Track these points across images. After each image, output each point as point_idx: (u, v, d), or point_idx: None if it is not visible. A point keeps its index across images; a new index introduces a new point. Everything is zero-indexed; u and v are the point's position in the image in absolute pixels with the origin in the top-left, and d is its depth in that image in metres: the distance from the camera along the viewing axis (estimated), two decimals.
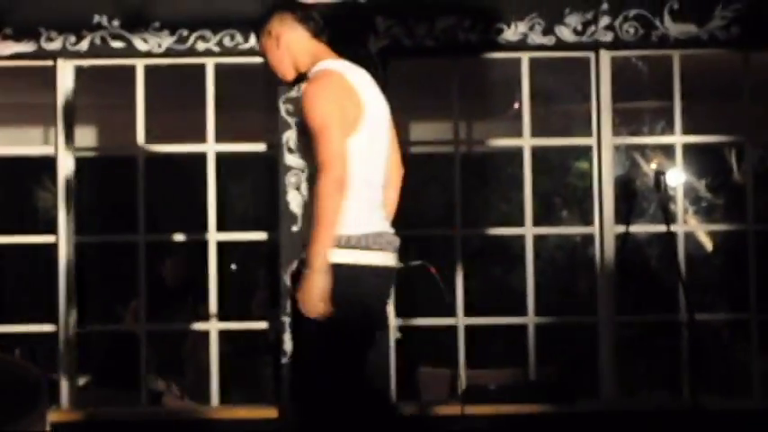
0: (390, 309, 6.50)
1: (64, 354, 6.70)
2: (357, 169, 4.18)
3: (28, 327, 7.06)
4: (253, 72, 6.73)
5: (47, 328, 6.81)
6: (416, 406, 6.67)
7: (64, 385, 6.67)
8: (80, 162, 6.90)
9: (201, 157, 6.79)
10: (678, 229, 6.81)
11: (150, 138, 6.79)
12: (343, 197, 4.10)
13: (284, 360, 6.43)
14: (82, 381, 7.11)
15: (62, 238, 6.74)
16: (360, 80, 4.40)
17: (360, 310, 4.24)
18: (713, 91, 7.27)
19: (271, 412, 6.47)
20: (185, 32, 6.64)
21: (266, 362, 7.20)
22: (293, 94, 6.39)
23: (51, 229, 6.90)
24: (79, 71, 6.81)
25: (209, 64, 6.73)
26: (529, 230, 6.88)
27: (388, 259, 4.33)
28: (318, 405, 4.40)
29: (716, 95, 7.32)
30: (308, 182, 4.34)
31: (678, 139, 6.94)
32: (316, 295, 4.06)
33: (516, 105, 7.24)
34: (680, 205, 7.11)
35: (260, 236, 7.07)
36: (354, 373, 4.42)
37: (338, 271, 4.11)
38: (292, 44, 4.57)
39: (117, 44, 6.65)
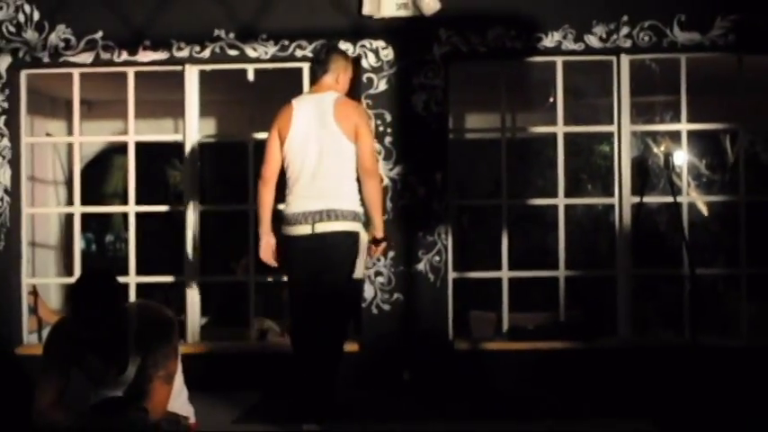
0: (449, 262, 6.55)
1: (190, 299, 6.83)
2: None
3: (162, 278, 7.17)
4: None
5: (177, 278, 6.96)
6: (468, 342, 6.70)
7: (190, 324, 6.82)
8: (203, 147, 6.99)
9: None
10: (683, 199, 6.76)
11: (257, 127, 6.85)
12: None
13: (363, 305, 6.47)
14: (203, 321, 7.19)
15: (189, 207, 6.84)
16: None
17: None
18: (713, 87, 7.17)
19: (352, 346, 6.52)
20: (286, 42, 6.68)
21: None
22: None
23: (180, 200, 7.01)
24: (202, 74, 6.89)
25: (305, 67, 6.76)
26: (561, 201, 6.87)
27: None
28: None
29: (715, 91, 7.21)
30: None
31: (684, 126, 6.88)
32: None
33: (551, 100, 7.19)
34: (684, 180, 7.05)
35: None
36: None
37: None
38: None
39: (232, 52, 6.71)
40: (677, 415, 5.33)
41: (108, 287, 4.09)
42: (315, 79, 5.52)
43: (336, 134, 5.17)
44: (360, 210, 5.22)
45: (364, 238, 5.25)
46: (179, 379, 4.46)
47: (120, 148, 8.07)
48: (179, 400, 4.46)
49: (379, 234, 5.30)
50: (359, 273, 5.30)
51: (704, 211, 8.44)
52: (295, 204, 5.17)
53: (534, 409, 5.75)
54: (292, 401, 5.15)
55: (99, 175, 10.32)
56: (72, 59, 6.78)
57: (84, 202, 7.12)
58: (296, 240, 5.15)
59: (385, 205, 5.50)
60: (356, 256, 5.19)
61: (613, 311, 6.74)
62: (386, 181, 6.51)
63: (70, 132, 7.35)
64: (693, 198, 8.06)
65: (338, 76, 5.37)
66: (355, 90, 6.63)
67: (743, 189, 6.80)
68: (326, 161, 5.16)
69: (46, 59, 6.79)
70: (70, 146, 7.64)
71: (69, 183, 7.99)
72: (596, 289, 7.26)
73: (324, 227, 5.10)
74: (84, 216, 7.27)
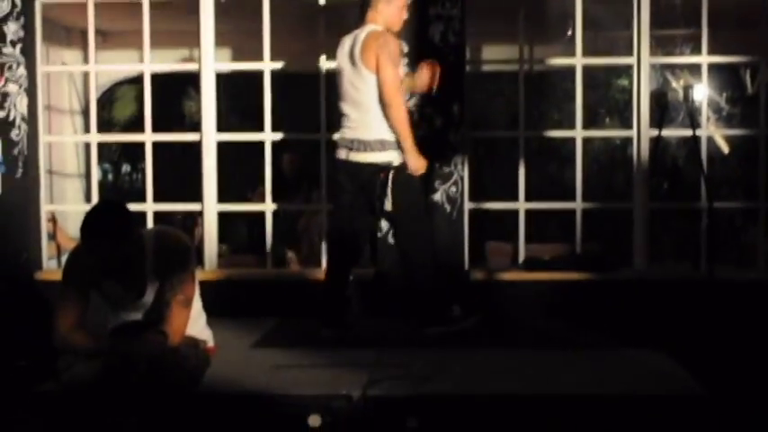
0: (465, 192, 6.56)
1: (207, 226, 6.86)
2: None
3: (180, 205, 7.21)
4: (356, 5, 6.72)
5: (194, 207, 6.99)
6: (484, 272, 6.72)
7: (207, 251, 6.86)
8: (219, 77, 6.96)
9: (315, 75, 6.82)
10: (701, 133, 6.72)
11: (274, 57, 6.81)
12: None
13: (379, 234, 6.49)
14: (222, 248, 7.23)
15: (205, 136, 6.84)
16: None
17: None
18: (734, 20, 7.09)
19: (368, 272, 6.56)
20: None
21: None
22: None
23: (196, 129, 7.01)
24: (218, 4, 6.83)
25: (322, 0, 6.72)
26: (579, 133, 6.84)
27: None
28: None
29: (737, 23, 7.13)
30: None
31: (704, 59, 6.81)
32: None
33: (570, 32, 7.12)
34: (704, 114, 6.99)
35: None
36: None
37: None
38: None
39: None
40: (693, 347, 5.35)
41: (117, 218, 4.12)
42: (362, 14, 5.78)
43: (359, 67, 5.55)
44: (389, 137, 5.58)
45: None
46: (197, 304, 4.51)
47: (136, 79, 8.07)
48: (197, 325, 4.52)
49: (408, 160, 5.59)
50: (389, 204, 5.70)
51: (723, 145, 8.39)
52: (340, 131, 5.79)
53: (549, 339, 5.78)
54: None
55: (115, 104, 10.33)
56: None
57: (102, 131, 7.13)
58: (338, 162, 5.76)
59: (408, 134, 5.54)
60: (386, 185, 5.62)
61: (630, 244, 6.74)
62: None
63: (86, 62, 7.32)
64: (712, 132, 8.00)
65: (378, 8, 5.65)
66: None
67: (762, 123, 6.75)
68: (351, 93, 5.63)
69: None
70: (86, 75, 7.63)
71: (85, 112, 8.00)
72: (613, 221, 7.27)
73: (355, 156, 5.63)
74: (102, 145, 7.28)
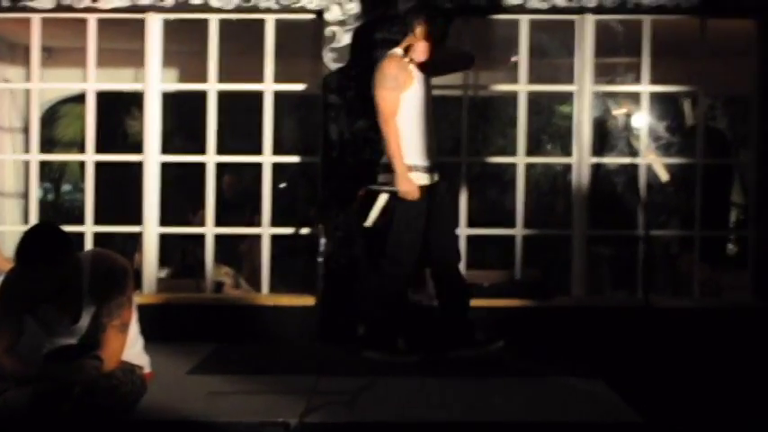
0: None
1: (147, 249, 6.80)
2: None
3: (119, 228, 7.13)
4: (304, 27, 6.74)
5: (135, 229, 6.92)
6: (425, 298, 6.72)
7: (146, 274, 6.80)
8: (164, 97, 6.93)
9: (260, 95, 6.82)
10: (640, 161, 6.81)
11: (220, 78, 6.80)
12: None
13: (320, 259, 6.48)
14: (161, 272, 7.17)
15: (148, 157, 6.80)
16: None
17: None
18: (675, 49, 7.18)
19: (308, 300, 6.55)
20: None
21: (306, 260, 7.24)
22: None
23: (139, 149, 6.96)
24: (165, 23, 6.82)
25: (269, 19, 6.72)
26: (521, 160, 6.90)
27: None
28: None
29: (677, 53, 7.23)
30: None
31: (645, 88, 6.91)
32: None
33: (514, 58, 7.18)
34: (643, 142, 7.08)
35: (305, 159, 7.11)
36: None
37: None
38: None
39: (196, 2, 6.66)
40: (630, 375, 5.41)
41: (52, 242, 4.07)
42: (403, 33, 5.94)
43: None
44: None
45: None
46: (134, 328, 4.47)
47: (80, 97, 7.98)
48: (134, 350, 4.48)
49: (399, 184, 5.65)
50: (368, 221, 5.79)
51: (662, 173, 8.47)
52: None
53: (488, 366, 5.80)
54: None
55: (57, 123, 10.22)
56: (32, 5, 6.70)
57: (42, 150, 7.06)
58: None
59: (397, 157, 5.62)
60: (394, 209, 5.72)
61: (568, 271, 6.80)
62: (346, 136, 6.54)
63: (29, 79, 7.26)
64: (651, 160, 8.09)
65: (408, 37, 5.77)
66: (318, 44, 6.63)
67: (700, 152, 6.86)
68: None
69: (5, 3, 6.71)
70: (28, 93, 7.54)
71: (27, 130, 7.89)
72: (552, 248, 7.32)
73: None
74: (43, 164, 7.20)
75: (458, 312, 5.88)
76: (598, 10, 6.68)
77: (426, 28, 5.73)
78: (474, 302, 6.53)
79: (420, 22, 5.74)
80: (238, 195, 8.35)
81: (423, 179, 5.70)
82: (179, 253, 8.13)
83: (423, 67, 5.82)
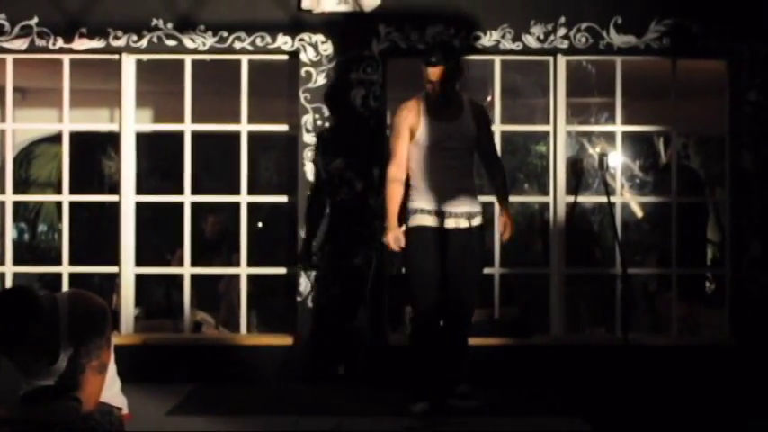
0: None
1: (124, 290, 6.76)
2: None
3: (96, 268, 7.09)
4: (279, 67, 6.76)
5: (111, 269, 6.88)
6: (404, 337, 6.70)
7: (124, 315, 6.74)
8: (139, 137, 6.91)
9: (236, 135, 6.82)
10: (616, 200, 6.86)
11: (195, 118, 6.80)
12: None
13: (299, 298, 6.47)
14: (137, 312, 7.12)
15: (124, 198, 6.77)
16: None
17: None
18: (647, 90, 7.27)
19: (287, 339, 6.52)
20: (225, 34, 6.65)
21: (284, 300, 7.20)
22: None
23: (114, 190, 6.93)
24: (139, 64, 6.82)
25: (244, 60, 6.74)
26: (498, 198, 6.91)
27: None
28: None
29: (649, 94, 7.32)
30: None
31: (618, 128, 6.97)
32: None
33: (489, 98, 7.24)
34: (618, 181, 7.14)
35: (282, 199, 7.10)
36: None
37: None
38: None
39: (170, 42, 6.66)
40: (609, 413, 5.40)
41: (17, 317, 3.95)
42: None
43: None
44: (409, 205, 5.53)
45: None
46: (112, 369, 4.41)
47: (55, 138, 7.96)
48: (111, 391, 4.41)
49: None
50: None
51: (637, 211, 8.56)
52: None
53: (467, 405, 5.77)
54: None
55: (32, 163, 10.18)
56: (6, 45, 6.68)
57: (17, 191, 7.02)
58: None
59: (386, 204, 5.53)
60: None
61: (546, 309, 6.80)
62: (322, 176, 6.57)
63: (3, 120, 7.24)
64: (626, 199, 8.17)
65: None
66: (293, 84, 6.65)
67: (674, 190, 6.92)
68: None
69: None
70: (2, 133, 7.51)
71: (1, 171, 7.85)
72: (530, 287, 7.33)
73: None
74: (17, 205, 7.16)
75: (449, 358, 5.59)
76: (570, 51, 6.73)
77: (425, 70, 5.52)
78: None
79: (422, 66, 5.55)
80: (218, 235, 8.31)
81: (428, 221, 5.48)
82: (156, 293, 8.09)
83: (437, 108, 5.57)
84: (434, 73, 5.46)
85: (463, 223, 5.50)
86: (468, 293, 5.57)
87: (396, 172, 5.49)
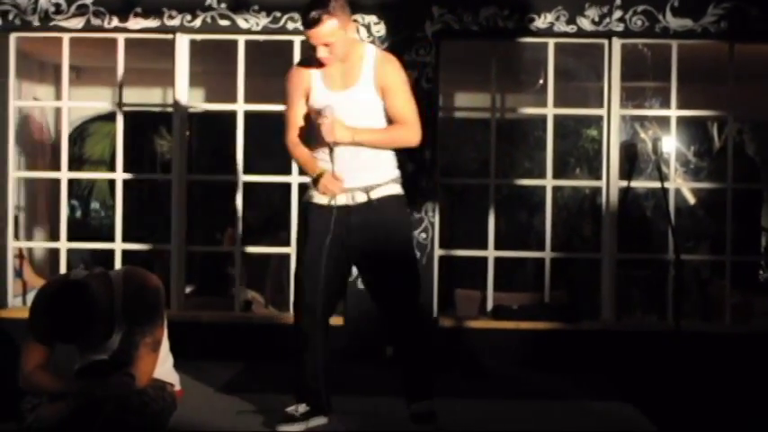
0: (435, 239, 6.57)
1: (176, 268, 6.82)
2: None
3: (149, 245, 7.17)
4: None
5: (163, 246, 6.95)
6: (452, 320, 6.72)
7: (175, 292, 6.81)
8: (192, 117, 6.96)
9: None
10: (669, 185, 6.80)
11: (248, 98, 6.83)
12: None
13: (349, 279, 6.48)
14: (188, 289, 7.19)
15: (176, 176, 6.83)
16: None
17: None
18: (703, 74, 7.19)
19: (337, 320, 6.53)
20: (278, 14, 6.66)
21: None
22: None
23: (167, 169, 6.99)
24: (193, 43, 6.86)
25: (297, 41, 6.74)
26: (549, 182, 6.89)
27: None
28: None
29: (705, 78, 7.24)
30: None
31: (673, 112, 6.90)
32: None
33: (542, 81, 7.20)
34: (672, 166, 7.07)
35: None
36: None
37: None
38: (351, 32, 4.62)
39: (224, 22, 6.69)
40: (659, 400, 5.37)
41: (80, 309, 3.95)
42: None
43: None
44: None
45: None
46: (165, 346, 4.46)
47: (108, 116, 8.03)
48: (164, 368, 4.46)
49: None
50: None
51: (690, 197, 8.48)
52: None
53: (517, 389, 5.78)
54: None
55: (86, 141, 10.29)
56: (62, 24, 6.74)
57: (71, 168, 7.10)
58: None
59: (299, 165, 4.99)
60: None
61: (597, 294, 6.77)
62: None
63: (58, 97, 7.31)
64: (680, 184, 8.10)
65: None
66: None
67: (729, 176, 6.84)
68: None
69: (36, 23, 6.74)
70: (58, 111, 7.61)
71: (56, 148, 7.95)
72: (581, 271, 7.30)
73: None
74: (70, 182, 7.25)
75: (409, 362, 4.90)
76: (625, 34, 6.66)
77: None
78: (503, 325, 6.54)
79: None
80: (267, 215, 8.36)
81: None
82: (207, 271, 8.17)
83: (328, 73, 4.67)
84: (312, 37, 4.55)
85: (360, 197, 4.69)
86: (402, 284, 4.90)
87: (290, 137, 4.71)
